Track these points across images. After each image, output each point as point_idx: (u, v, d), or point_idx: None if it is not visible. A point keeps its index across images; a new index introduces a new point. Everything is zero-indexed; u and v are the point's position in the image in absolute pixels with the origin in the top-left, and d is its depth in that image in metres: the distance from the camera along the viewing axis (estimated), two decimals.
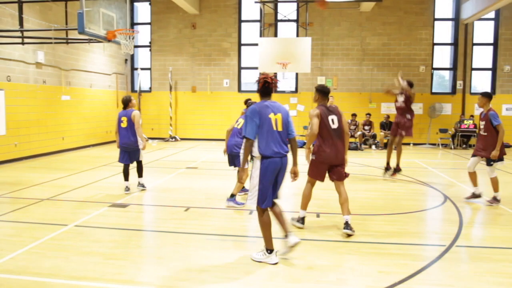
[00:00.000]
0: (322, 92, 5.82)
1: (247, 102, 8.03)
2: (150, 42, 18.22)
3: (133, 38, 10.38)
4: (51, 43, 11.42)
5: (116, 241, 5.16)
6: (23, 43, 11.14)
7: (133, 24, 17.81)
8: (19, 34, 10.64)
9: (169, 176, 9.59)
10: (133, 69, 18.54)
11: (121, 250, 4.83)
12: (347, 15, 16.96)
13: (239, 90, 17.85)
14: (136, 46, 17.79)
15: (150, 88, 18.43)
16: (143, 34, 18.20)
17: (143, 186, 8.12)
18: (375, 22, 16.90)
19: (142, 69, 18.08)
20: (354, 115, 15.96)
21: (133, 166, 8.14)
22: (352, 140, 15.65)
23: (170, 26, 17.92)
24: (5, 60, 11.27)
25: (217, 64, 17.81)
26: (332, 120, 5.67)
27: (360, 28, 16.98)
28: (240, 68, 17.79)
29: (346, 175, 5.79)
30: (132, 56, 18.29)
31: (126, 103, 8.01)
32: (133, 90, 18.50)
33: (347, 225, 5.43)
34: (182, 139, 17.97)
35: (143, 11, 18.64)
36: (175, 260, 4.55)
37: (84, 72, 14.93)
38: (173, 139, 17.72)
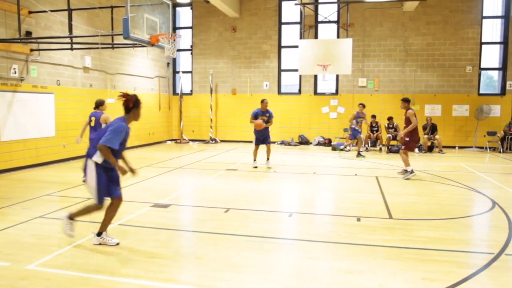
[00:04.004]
0: (408, 101, 9.88)
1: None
2: (191, 46, 18.56)
3: (175, 42, 10.61)
4: (97, 48, 11.85)
5: (158, 240, 5.29)
6: (72, 49, 11.63)
7: (175, 28, 18.23)
8: (68, 40, 11.12)
9: (210, 178, 9.72)
10: (175, 72, 18.95)
11: (163, 249, 4.94)
12: (389, 15, 16.61)
13: (279, 92, 17.85)
14: (178, 50, 18.13)
15: (191, 90, 18.77)
16: (185, 38, 18.57)
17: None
18: (419, 21, 16.44)
19: (183, 72, 18.45)
20: (390, 118, 15.58)
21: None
22: (393, 142, 15.29)
23: (211, 29, 18.19)
24: (55, 65, 11.81)
25: (257, 66, 17.89)
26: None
27: (403, 28, 16.57)
28: (280, 70, 17.79)
29: None
30: (174, 60, 18.69)
31: (97, 105, 8.95)
32: (174, 93, 18.90)
33: None
34: (222, 141, 18.17)
35: (184, 16, 19.03)
36: (215, 261, 4.60)
37: (128, 76, 15.40)
38: (213, 141, 17.95)
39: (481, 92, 16.45)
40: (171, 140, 18.70)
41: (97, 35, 10.59)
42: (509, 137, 15.30)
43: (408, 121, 9.81)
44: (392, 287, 4.01)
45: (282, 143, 17.37)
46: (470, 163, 12.42)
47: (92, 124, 8.85)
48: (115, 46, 12.65)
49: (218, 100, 18.39)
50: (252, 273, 4.28)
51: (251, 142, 17.64)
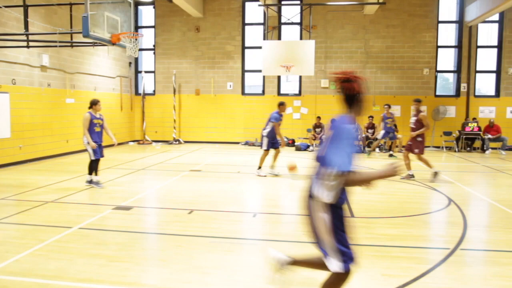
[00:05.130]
0: (420, 102, 9.78)
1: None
2: (154, 45, 18.29)
3: (137, 41, 10.44)
4: (56, 46, 11.48)
5: (120, 243, 5.18)
6: (28, 47, 11.21)
7: (137, 27, 17.91)
8: (24, 37, 10.71)
9: (173, 179, 9.61)
10: (137, 72, 18.61)
11: (125, 253, 4.84)
12: (350, 18, 16.97)
13: (243, 93, 17.88)
14: (140, 49, 17.85)
15: (154, 91, 18.49)
16: (147, 37, 18.29)
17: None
18: (379, 25, 16.89)
19: (146, 72, 18.15)
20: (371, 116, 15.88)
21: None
22: (355, 143, 15.60)
23: (174, 29, 17.99)
24: (10, 63, 11.34)
25: (221, 67, 17.85)
26: None
27: (363, 31, 16.98)
28: (243, 71, 17.82)
29: None
30: (136, 59, 18.36)
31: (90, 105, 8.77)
32: (137, 93, 18.56)
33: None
34: (185, 142, 18.01)
35: (147, 15, 18.73)
36: (179, 263, 4.55)
37: (89, 75, 15.00)
38: (177, 142, 17.76)
39: (437, 93, 17.09)
40: (133, 141, 18.35)
41: (55, 33, 10.27)
42: (463, 136, 15.97)
43: (418, 123, 9.63)
44: (355, 285, 4.09)
45: (246, 143, 17.41)
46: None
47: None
48: (74, 44, 12.31)
49: (181, 101, 18.21)
50: (216, 274, 4.27)
51: (215, 142, 17.62)
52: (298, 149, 15.77)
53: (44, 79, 12.64)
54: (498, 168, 11.74)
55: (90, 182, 8.60)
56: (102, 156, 8.74)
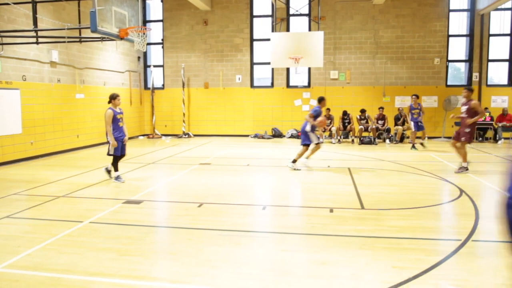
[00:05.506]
0: (472, 90, 9.61)
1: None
2: (162, 39, 18.29)
3: (145, 36, 10.44)
4: (64, 42, 11.53)
5: (130, 237, 5.21)
6: (37, 43, 11.27)
7: (145, 21, 17.92)
8: (33, 34, 10.77)
9: (183, 173, 9.63)
10: (146, 66, 18.65)
11: (136, 246, 4.87)
12: (359, 8, 16.78)
13: (252, 85, 17.83)
14: (148, 44, 17.87)
15: (163, 85, 18.53)
16: (156, 31, 18.29)
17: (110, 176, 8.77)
18: (388, 14, 16.69)
19: (155, 66, 18.18)
20: (363, 111, 15.75)
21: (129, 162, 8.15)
22: (365, 134, 15.53)
23: (182, 23, 17.97)
24: (20, 59, 11.43)
25: (229, 60, 17.80)
26: None
27: (373, 21, 16.78)
28: (252, 63, 17.76)
29: None
30: (145, 54, 18.39)
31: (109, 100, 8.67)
32: (146, 87, 18.62)
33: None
34: (195, 135, 18.05)
35: (155, 8, 18.72)
36: (189, 256, 4.57)
37: (98, 70, 15.07)
38: (186, 136, 17.80)
39: (448, 83, 16.86)
40: (143, 135, 18.44)
41: (64, 29, 10.30)
42: (476, 127, 15.74)
43: (470, 111, 9.37)
44: (364, 276, 4.08)
45: (256, 136, 17.39)
46: (440, 153, 12.73)
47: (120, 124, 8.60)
48: (82, 40, 12.35)
49: (190, 94, 18.22)
50: (225, 268, 4.27)
51: (224, 136, 17.62)
52: None
53: (54, 75, 12.73)
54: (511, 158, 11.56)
55: (117, 178, 8.55)
56: (124, 154, 8.70)
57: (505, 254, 4.72)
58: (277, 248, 4.90)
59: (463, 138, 9.44)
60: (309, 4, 16.62)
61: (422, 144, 13.64)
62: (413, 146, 13.55)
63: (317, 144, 10.09)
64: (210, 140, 16.76)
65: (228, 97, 17.93)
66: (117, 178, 8.53)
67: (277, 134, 17.39)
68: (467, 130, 9.41)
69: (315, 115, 9.98)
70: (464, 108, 9.57)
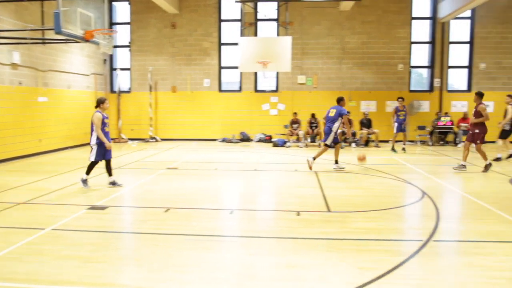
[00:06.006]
0: (482, 95, 10.12)
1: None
2: (129, 42, 18.02)
3: (112, 38, 10.28)
4: (27, 43, 11.19)
5: (94, 244, 5.09)
6: None
7: (112, 24, 17.62)
8: None
9: (149, 177, 9.50)
10: (112, 69, 18.32)
11: (100, 253, 4.77)
12: (326, 14, 17.07)
13: (220, 89, 17.81)
14: (115, 46, 17.57)
15: (130, 88, 18.24)
16: (123, 34, 18.00)
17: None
18: (355, 21, 17.05)
19: (122, 69, 17.88)
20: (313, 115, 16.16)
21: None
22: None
23: (149, 25, 17.77)
24: None
25: (198, 64, 17.73)
26: None
27: (339, 27, 17.11)
28: (220, 67, 17.75)
29: None
30: (111, 57, 18.06)
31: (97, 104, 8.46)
32: (112, 90, 18.28)
33: None
34: (162, 139, 17.84)
35: (122, 11, 18.42)
36: (155, 262, 4.51)
37: (62, 73, 14.69)
38: (154, 140, 17.58)
39: (411, 88, 17.37)
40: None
41: (26, 30, 10.01)
42: (437, 131, 16.29)
43: (477, 114, 9.99)
44: (331, 278, 4.14)
45: (224, 140, 17.36)
46: (403, 156, 13.08)
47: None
48: (46, 41, 12.03)
49: (158, 98, 18.02)
50: (193, 273, 4.24)
51: (192, 140, 17.50)
52: (276, 145, 15.81)
53: (15, 77, 12.31)
54: (469, 161, 12.00)
55: (85, 182, 8.27)
56: (110, 157, 8.37)
57: (465, 253, 4.91)
58: (245, 252, 4.91)
59: (478, 141, 10.11)
60: (278, 9, 16.77)
61: (403, 149, 14.01)
62: (393, 149, 13.90)
63: (328, 146, 10.36)
64: (177, 144, 16.61)
65: (196, 101, 17.84)
66: (84, 182, 8.31)
67: (245, 138, 17.42)
68: (476, 131, 10.06)
69: (342, 114, 10.29)
70: (474, 111, 10.17)
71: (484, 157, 10.20)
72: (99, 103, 8.39)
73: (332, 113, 10.33)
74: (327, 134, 10.34)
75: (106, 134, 8.26)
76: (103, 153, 8.24)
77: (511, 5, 16.42)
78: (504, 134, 12.20)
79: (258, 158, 13.00)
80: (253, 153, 14.16)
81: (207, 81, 17.72)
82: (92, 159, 8.21)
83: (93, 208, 6.74)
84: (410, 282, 4.05)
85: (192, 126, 17.89)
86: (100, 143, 8.15)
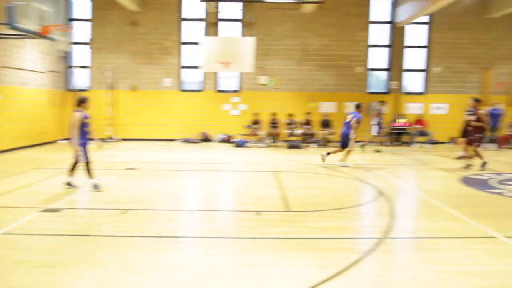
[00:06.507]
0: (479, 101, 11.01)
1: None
2: (90, 39, 17.53)
3: (69, 35, 9.98)
4: None
5: (47, 248, 4.93)
6: None
7: (70, 20, 17.07)
8: None
9: (107, 178, 9.27)
10: (69, 66, 17.76)
11: (54, 258, 4.62)
12: (289, 16, 17.24)
13: (181, 89, 17.64)
14: (75, 43, 17.08)
15: (89, 87, 17.74)
16: (83, 31, 17.48)
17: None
18: (317, 23, 17.31)
19: (81, 67, 17.37)
20: (291, 115, 16.34)
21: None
22: (293, 138, 15.98)
23: (110, 23, 17.35)
24: None
25: (159, 62, 17.48)
26: None
27: (302, 29, 17.33)
28: (181, 67, 17.58)
29: None
30: (69, 54, 17.50)
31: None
32: (69, 88, 17.71)
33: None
34: (122, 139, 17.46)
35: (83, 7, 17.86)
36: (114, 265, 4.42)
37: (16, 70, 14.09)
38: (113, 140, 17.18)
39: (370, 90, 17.83)
40: (64, 139, 17.50)
41: None
42: (394, 132, 16.81)
43: (477, 120, 10.76)
44: (289, 277, 4.20)
45: (184, 140, 17.20)
46: (361, 156, 13.40)
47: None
48: None
49: (118, 97, 17.62)
50: (153, 275, 4.19)
51: (153, 140, 17.23)
52: (237, 145, 15.82)
53: None
54: (424, 161, 12.47)
55: (96, 186, 7.93)
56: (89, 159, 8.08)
57: (418, 249, 5.10)
58: (204, 252, 4.90)
59: (475, 144, 10.81)
60: (242, 10, 16.79)
61: (362, 146, 14.58)
62: (377, 150, 14.46)
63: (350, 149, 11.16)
64: (138, 144, 16.31)
65: (157, 101, 17.59)
66: (95, 186, 7.93)
67: (206, 139, 17.33)
68: (477, 135, 10.78)
69: (359, 121, 11.11)
70: (473, 117, 10.88)
71: (480, 156, 10.86)
72: (81, 102, 8.00)
73: (349, 118, 11.21)
74: (344, 137, 11.17)
75: (85, 134, 7.93)
76: (85, 154, 7.94)
77: (464, 12, 17.14)
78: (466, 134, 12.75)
79: (218, 158, 12.98)
80: (214, 153, 14.13)
81: (168, 81, 17.51)
82: (85, 160, 7.90)
83: (46, 210, 6.51)
84: (366, 279, 4.17)
85: (152, 126, 17.63)
86: (83, 144, 7.85)
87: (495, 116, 14.72)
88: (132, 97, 17.62)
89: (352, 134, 11.01)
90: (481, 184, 8.94)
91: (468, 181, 9.26)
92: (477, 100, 11.04)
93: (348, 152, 11.23)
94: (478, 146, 10.87)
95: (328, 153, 11.34)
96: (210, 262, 4.55)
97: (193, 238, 5.45)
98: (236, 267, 4.40)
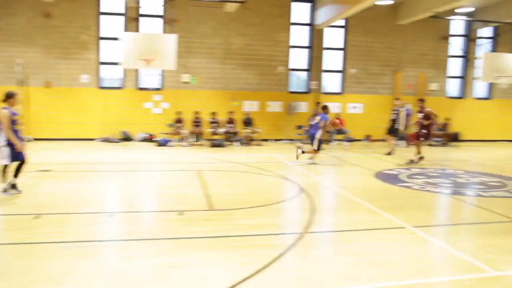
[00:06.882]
0: (423, 101, 12.33)
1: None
2: None
3: None
4: None
5: None
6: None
7: None
8: None
9: (17, 181, 8.62)
10: None
11: None
12: (212, 14, 17.18)
13: (99, 86, 16.87)
14: None
15: None
16: None
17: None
18: (240, 22, 17.44)
19: None
20: (214, 114, 16.37)
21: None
22: (216, 137, 15.99)
23: (20, 13, 16.07)
24: None
25: (75, 58, 16.55)
26: None
27: (225, 28, 17.36)
28: (100, 63, 16.82)
29: None
30: None
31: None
32: None
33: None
34: (35, 139, 16.29)
35: None
36: (26, 275, 4.11)
37: None
38: (24, 140, 15.96)
39: (291, 90, 18.37)
40: None
41: None
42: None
43: (426, 117, 11.80)
44: (212, 276, 4.20)
45: (104, 139, 16.47)
46: (283, 154, 13.75)
47: None
48: None
49: (29, 94, 16.40)
50: (70, 283, 3.97)
51: (69, 139, 16.30)
52: (159, 144, 15.47)
53: None
54: (342, 158, 13.12)
55: (13, 187, 7.24)
56: (23, 159, 7.39)
57: (337, 242, 5.37)
58: (124, 256, 4.74)
59: (422, 138, 11.91)
60: (163, 6, 16.42)
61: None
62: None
63: (317, 150, 11.55)
64: (52, 144, 15.31)
65: (74, 98, 16.64)
66: (12, 187, 7.23)
67: (126, 138, 16.75)
68: (424, 131, 11.87)
69: (327, 122, 11.51)
70: (420, 115, 12.00)
71: (419, 151, 11.94)
72: (8, 97, 7.22)
73: (317, 119, 11.61)
74: (312, 138, 11.60)
75: (15, 132, 7.24)
76: (16, 154, 7.23)
77: (376, 18, 18.27)
78: (392, 132, 14.19)
79: (140, 158, 12.63)
80: (135, 153, 13.71)
81: (86, 77, 16.65)
82: (5, 162, 7.17)
83: None
84: (288, 273, 4.30)
85: (69, 124, 16.66)
86: (10, 143, 7.14)
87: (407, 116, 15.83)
88: (45, 94, 16.50)
89: (319, 135, 11.37)
90: (393, 179, 9.61)
91: (381, 176, 9.90)
92: (421, 100, 12.21)
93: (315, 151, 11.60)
94: (424, 141, 11.99)
95: (303, 152, 11.58)
96: (131, 265, 4.42)
97: (112, 242, 5.26)
98: (158, 269, 4.32)
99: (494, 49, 19.73)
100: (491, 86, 20.05)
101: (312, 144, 11.64)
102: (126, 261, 4.55)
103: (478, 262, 4.63)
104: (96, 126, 16.74)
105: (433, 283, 4.18)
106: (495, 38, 19.98)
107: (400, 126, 14.11)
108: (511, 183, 9.41)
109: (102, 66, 16.91)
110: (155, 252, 4.84)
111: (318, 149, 11.59)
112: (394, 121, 14.15)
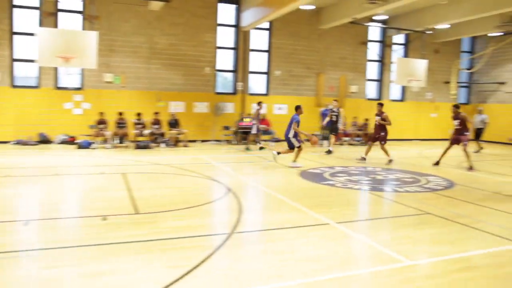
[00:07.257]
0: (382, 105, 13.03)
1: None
2: None
3: None
4: None
5: None
6: None
7: None
8: None
9: None
10: None
11: None
12: (135, 12, 16.70)
13: (13, 85, 15.69)
14: None
15: None
16: None
17: None
18: (164, 22, 17.13)
19: None
20: (139, 115, 15.91)
21: None
22: (141, 138, 15.57)
23: None
24: None
25: None
26: None
27: (149, 27, 16.95)
28: (13, 60, 15.64)
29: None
30: None
31: None
32: None
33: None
34: None
35: None
36: None
37: None
38: None
39: (217, 91, 18.40)
40: None
41: None
42: (240, 131, 17.66)
43: (384, 120, 12.68)
44: (139, 281, 4.10)
45: (18, 142, 15.34)
46: (210, 154, 13.75)
47: None
48: None
49: None
50: None
51: None
52: (80, 146, 14.73)
53: None
54: (268, 158, 13.37)
55: None
56: None
57: (264, 240, 5.48)
58: (43, 265, 4.46)
59: (382, 142, 12.76)
60: (83, 1, 15.64)
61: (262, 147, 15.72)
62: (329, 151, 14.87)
63: (299, 147, 11.48)
64: None
65: None
66: None
67: (44, 140, 15.75)
68: (383, 133, 12.77)
69: (299, 122, 11.45)
70: (377, 118, 12.83)
71: (387, 153, 12.65)
72: None
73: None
74: (287, 139, 11.62)
75: None
76: None
77: (300, 22, 18.90)
78: (334, 131, 15.19)
79: (60, 161, 11.95)
80: (54, 156, 12.94)
81: None
82: None
83: None
84: (216, 274, 4.31)
85: None
86: None
87: (326, 116, 16.47)
88: None
89: (292, 135, 11.45)
90: (317, 177, 9.99)
91: (306, 175, 10.25)
92: (381, 104, 13.03)
93: (299, 150, 11.59)
94: (384, 143, 12.79)
95: (279, 153, 11.78)
96: (50, 275, 4.17)
97: (29, 252, 4.91)
98: (81, 277, 4.13)
99: (406, 54, 21.29)
100: (405, 89, 21.60)
101: (289, 146, 11.73)
102: (46, 271, 4.28)
103: (394, 253, 4.98)
104: (9, 128, 15.54)
105: (354, 275, 4.42)
106: (406, 45, 21.56)
107: (341, 126, 15.26)
108: (423, 178, 10.21)
109: (16, 63, 15.75)
110: (78, 260, 4.61)
111: (297, 147, 11.52)
112: (335, 121, 15.17)
